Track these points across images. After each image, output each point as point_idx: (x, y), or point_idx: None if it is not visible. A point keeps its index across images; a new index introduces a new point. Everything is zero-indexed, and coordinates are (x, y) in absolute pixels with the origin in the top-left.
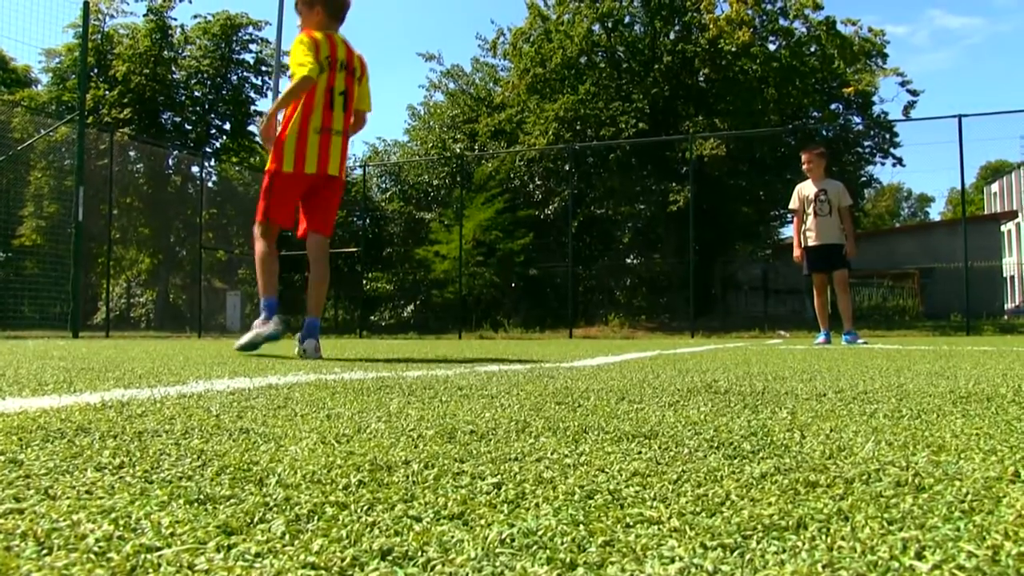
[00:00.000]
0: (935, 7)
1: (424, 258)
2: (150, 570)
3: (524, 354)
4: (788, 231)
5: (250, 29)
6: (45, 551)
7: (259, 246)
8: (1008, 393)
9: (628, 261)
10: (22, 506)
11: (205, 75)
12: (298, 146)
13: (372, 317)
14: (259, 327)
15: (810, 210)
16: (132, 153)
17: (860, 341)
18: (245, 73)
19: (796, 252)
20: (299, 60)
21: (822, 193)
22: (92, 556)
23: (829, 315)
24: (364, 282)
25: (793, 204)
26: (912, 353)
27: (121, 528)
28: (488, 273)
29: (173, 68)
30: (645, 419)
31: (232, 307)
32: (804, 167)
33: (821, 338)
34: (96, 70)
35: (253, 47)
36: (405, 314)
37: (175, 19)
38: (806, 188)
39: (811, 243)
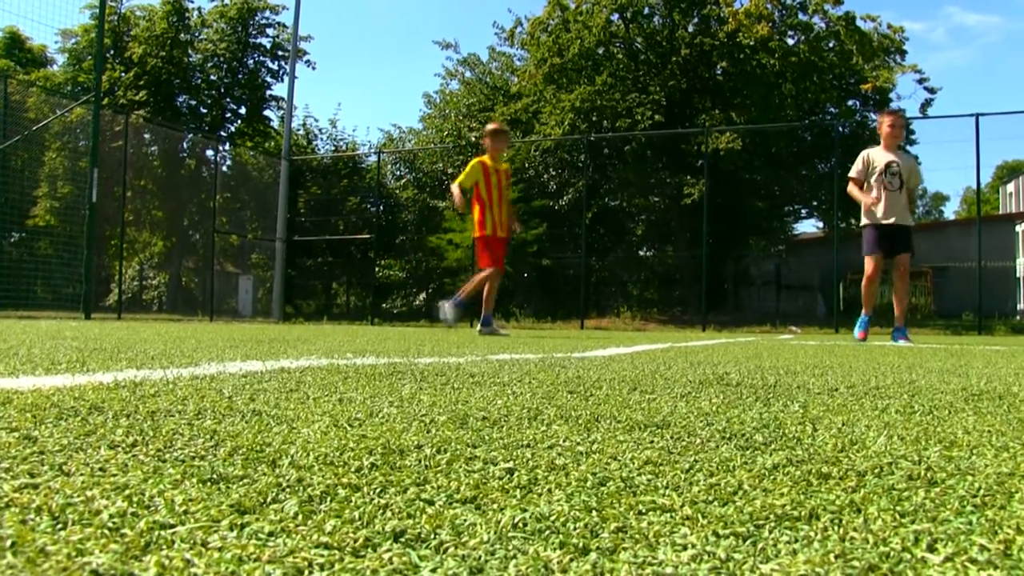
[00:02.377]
0: (952, 4)
1: (437, 246)
2: (164, 546)
3: (535, 343)
4: (801, 227)
5: (267, 13)
6: (60, 525)
7: (482, 275)
8: (1021, 392)
9: (641, 253)
10: (37, 481)
11: (221, 59)
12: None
13: (384, 304)
14: (489, 331)
15: (876, 182)
16: (147, 135)
17: (905, 342)
18: (261, 57)
19: (868, 201)
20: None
21: (894, 164)
22: (107, 531)
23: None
24: (376, 269)
25: (855, 170)
26: (924, 351)
27: (135, 505)
28: None
29: (189, 51)
30: (657, 409)
31: (244, 291)
32: (886, 130)
33: (860, 330)
34: (112, 52)
35: (270, 31)
36: (417, 302)
37: (192, 1)
38: (876, 156)
39: (876, 221)
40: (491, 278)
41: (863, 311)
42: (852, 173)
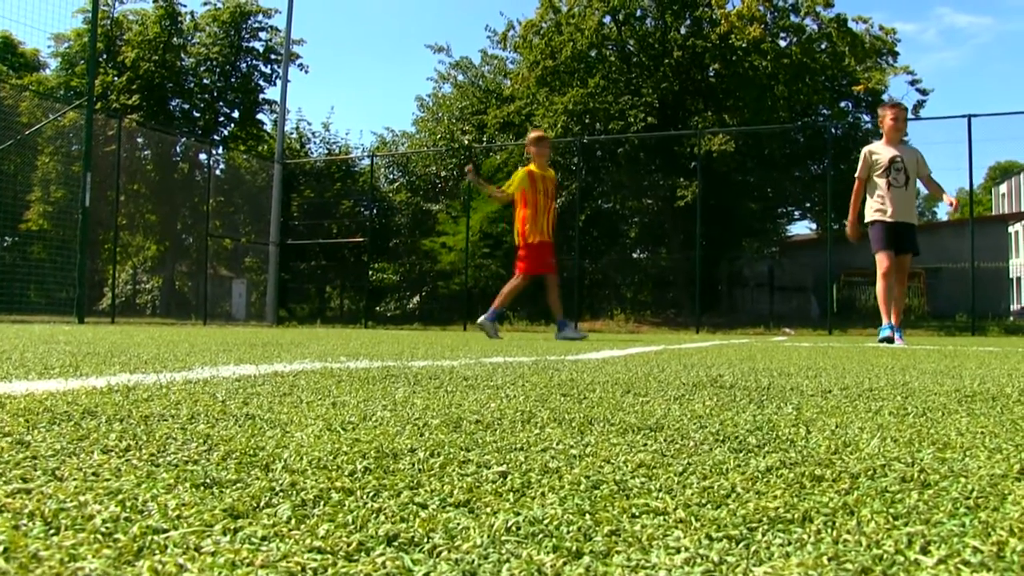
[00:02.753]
0: (943, 5)
1: (430, 249)
2: (157, 551)
3: (529, 346)
4: (794, 229)
5: (260, 17)
6: (53, 531)
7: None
8: (1013, 393)
9: (634, 256)
10: (29, 487)
11: (214, 62)
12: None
13: (377, 308)
14: (488, 327)
15: (882, 179)
16: (140, 139)
17: (900, 343)
18: (254, 61)
19: (849, 227)
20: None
21: (898, 160)
22: (99, 536)
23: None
24: (370, 272)
25: (860, 169)
26: (917, 352)
27: (128, 510)
28: (494, 265)
29: (182, 55)
30: (651, 412)
31: (237, 295)
32: (889, 123)
33: (886, 332)
34: (105, 56)
35: (263, 35)
36: (411, 305)
37: (184, 5)
38: (879, 151)
39: (885, 218)
40: (550, 283)
41: (884, 319)
42: (859, 172)
